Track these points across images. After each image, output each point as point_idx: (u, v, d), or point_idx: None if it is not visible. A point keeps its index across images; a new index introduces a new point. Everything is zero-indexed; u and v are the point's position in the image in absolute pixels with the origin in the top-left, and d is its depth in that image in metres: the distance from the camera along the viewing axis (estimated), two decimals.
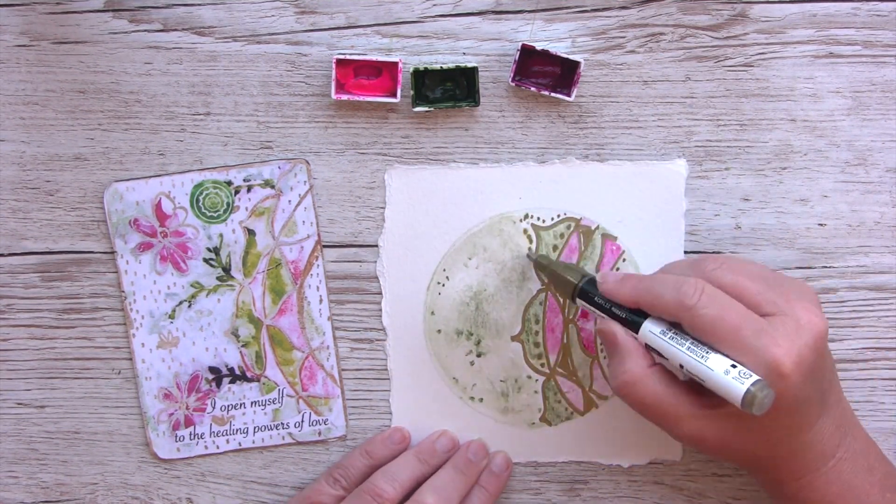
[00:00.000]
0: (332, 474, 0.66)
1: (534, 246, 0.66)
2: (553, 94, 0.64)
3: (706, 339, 0.54)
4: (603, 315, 0.59)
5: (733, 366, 0.53)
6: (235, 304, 0.67)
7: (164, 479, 0.69)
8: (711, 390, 0.54)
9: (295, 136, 0.66)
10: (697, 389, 0.56)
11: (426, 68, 0.64)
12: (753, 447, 0.57)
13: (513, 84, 0.64)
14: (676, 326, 0.56)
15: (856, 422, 0.60)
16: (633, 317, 0.58)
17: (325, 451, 0.68)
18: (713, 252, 0.66)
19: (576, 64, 0.63)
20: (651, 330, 0.57)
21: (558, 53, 0.64)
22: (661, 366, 0.57)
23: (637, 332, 0.57)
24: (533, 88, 0.64)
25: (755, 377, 0.52)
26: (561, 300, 0.66)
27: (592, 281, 0.60)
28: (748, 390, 0.52)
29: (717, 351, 0.54)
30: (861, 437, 0.60)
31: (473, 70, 0.64)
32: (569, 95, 0.64)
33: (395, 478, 0.64)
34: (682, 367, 0.55)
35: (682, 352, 0.55)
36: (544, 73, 0.65)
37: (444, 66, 0.64)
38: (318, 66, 0.65)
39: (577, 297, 0.61)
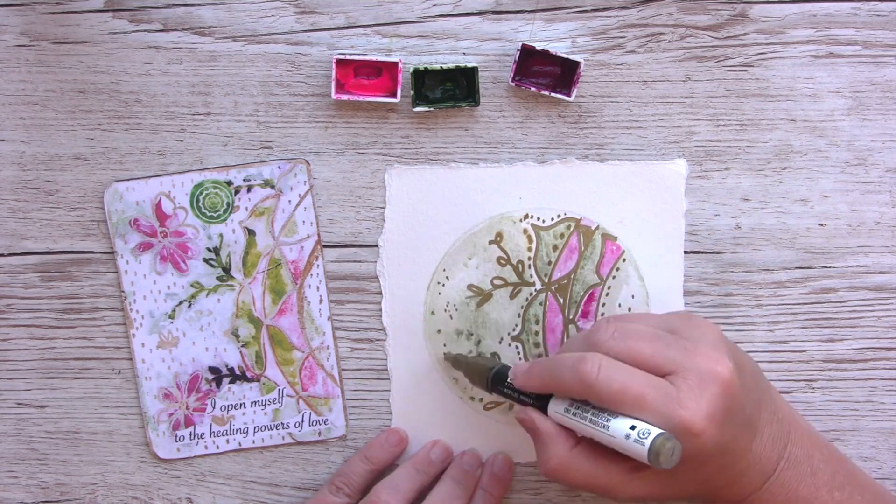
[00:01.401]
0: (334, 483, 0.66)
1: (448, 349, 0.66)
2: (553, 94, 0.64)
3: (616, 411, 0.54)
4: (516, 402, 0.60)
5: (632, 427, 0.53)
6: (235, 304, 0.67)
7: (164, 479, 0.69)
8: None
9: (295, 136, 0.66)
10: (625, 455, 0.56)
11: (426, 68, 0.64)
12: (692, 490, 0.57)
13: (513, 84, 0.64)
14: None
15: (797, 425, 0.60)
16: (539, 401, 0.58)
17: (325, 451, 0.68)
18: (713, 253, 0.66)
19: (576, 64, 0.63)
20: (556, 410, 0.57)
21: (558, 53, 0.64)
22: (585, 441, 0.57)
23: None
24: (533, 88, 0.64)
25: (655, 432, 0.52)
26: (561, 300, 0.66)
27: (501, 371, 0.61)
28: (650, 448, 0.52)
29: (618, 415, 0.54)
30: (803, 441, 0.59)
31: (473, 70, 0.64)
32: (569, 95, 0.64)
33: (396, 489, 0.64)
34: (592, 439, 0.55)
35: (585, 425, 0.55)
36: (544, 73, 0.65)
37: (444, 66, 0.64)
38: (318, 66, 0.65)
39: (491, 388, 0.62)
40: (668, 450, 0.52)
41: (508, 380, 0.60)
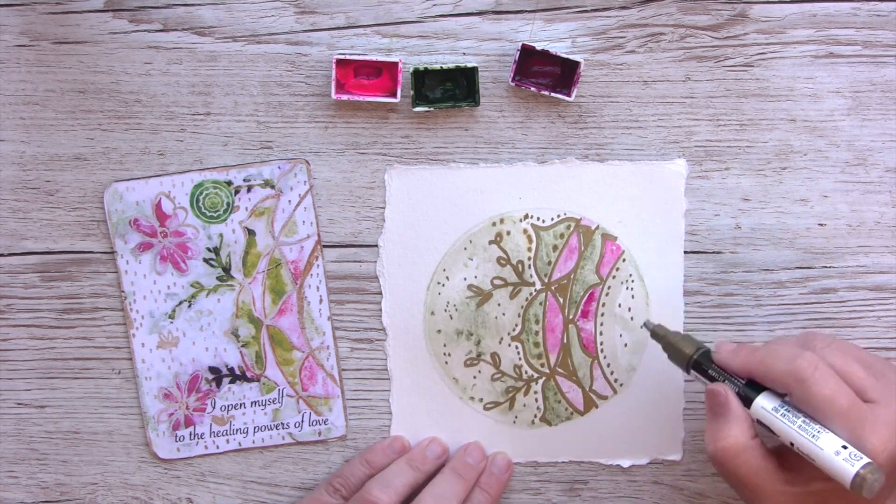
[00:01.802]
0: (331, 483, 0.66)
1: (651, 318, 0.66)
2: (553, 94, 0.64)
3: (815, 415, 0.55)
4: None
5: (844, 447, 0.53)
6: (235, 304, 0.67)
7: (164, 479, 0.69)
8: (818, 468, 0.54)
9: (295, 136, 0.66)
10: (786, 466, 0.57)
11: (426, 68, 0.64)
12: None
13: (513, 84, 0.64)
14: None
15: None
16: (746, 391, 0.58)
17: (325, 451, 0.68)
18: (713, 253, 0.66)
19: (576, 64, 0.63)
20: (763, 406, 0.57)
21: (558, 53, 0.64)
22: (759, 438, 0.57)
23: (748, 406, 0.57)
24: (533, 88, 0.64)
25: (866, 460, 0.53)
26: (561, 300, 0.66)
27: (707, 353, 0.61)
28: (858, 472, 0.52)
29: (827, 429, 0.55)
30: None
31: (473, 70, 0.64)
32: (569, 95, 0.64)
33: (389, 485, 0.64)
34: (792, 444, 0.55)
35: (793, 430, 0.55)
36: (544, 73, 0.65)
37: (444, 66, 0.64)
38: (318, 66, 0.65)
39: (690, 369, 0.61)
40: (874, 480, 0.52)
41: (713, 354, 0.59)
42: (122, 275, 0.67)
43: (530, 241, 0.66)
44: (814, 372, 0.55)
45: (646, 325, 0.65)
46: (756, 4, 0.64)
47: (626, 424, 0.68)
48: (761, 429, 0.57)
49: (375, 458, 0.67)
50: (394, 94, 0.64)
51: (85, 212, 0.67)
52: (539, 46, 0.64)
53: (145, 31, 0.65)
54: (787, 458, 0.57)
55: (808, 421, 0.55)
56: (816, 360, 0.55)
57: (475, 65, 0.64)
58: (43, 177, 0.66)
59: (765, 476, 0.56)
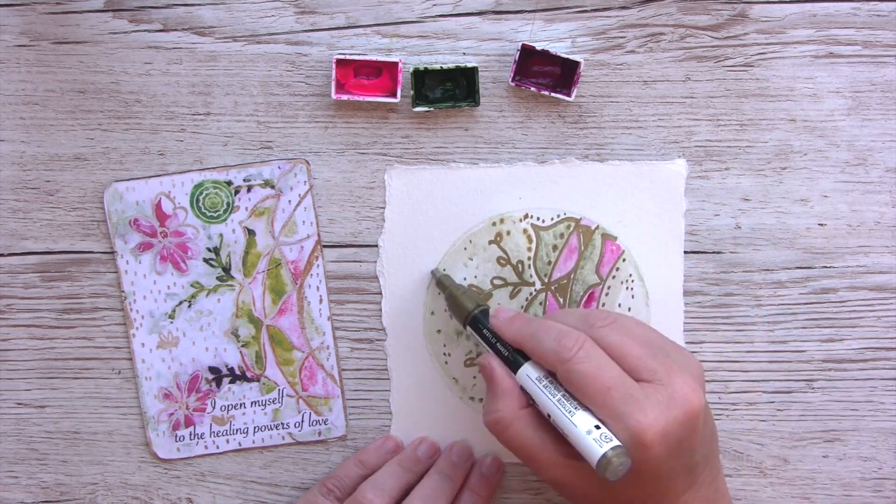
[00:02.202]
0: (325, 484, 0.66)
1: (439, 266, 0.66)
2: (553, 94, 0.64)
3: (576, 394, 0.54)
4: (488, 348, 0.60)
5: (597, 426, 0.53)
6: (235, 304, 0.67)
7: (164, 479, 0.69)
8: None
9: (295, 136, 0.66)
10: (564, 438, 0.56)
11: (426, 68, 0.64)
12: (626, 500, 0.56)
13: (513, 84, 0.64)
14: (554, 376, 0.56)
15: (727, 500, 0.59)
16: (515, 356, 0.58)
17: (325, 451, 0.68)
18: (713, 253, 0.66)
19: (576, 64, 0.63)
20: (528, 374, 0.57)
21: (558, 53, 0.64)
22: (533, 408, 0.57)
23: (515, 373, 0.58)
24: (533, 88, 0.64)
25: (615, 443, 0.52)
26: (561, 300, 0.66)
27: (486, 312, 0.61)
28: (604, 454, 0.52)
29: (586, 409, 0.54)
30: None
31: (473, 70, 0.64)
32: (569, 95, 0.64)
33: (381, 487, 0.64)
34: (549, 416, 0.55)
35: (552, 402, 0.55)
36: (544, 73, 0.65)
37: (444, 66, 0.64)
38: (318, 66, 0.65)
39: (467, 325, 0.62)
40: (619, 464, 0.52)
41: (490, 318, 0.60)
42: (122, 275, 0.67)
43: (530, 241, 0.66)
44: (578, 351, 0.54)
45: (433, 272, 0.65)
46: (756, 4, 0.64)
47: None
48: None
49: (369, 458, 0.67)
50: (394, 94, 0.64)
51: (85, 212, 0.67)
52: (539, 46, 0.64)
53: (145, 31, 0.65)
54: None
55: (568, 396, 0.55)
56: (583, 339, 0.55)
57: (475, 65, 0.64)
58: (43, 177, 0.66)
59: (540, 447, 0.56)
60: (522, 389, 0.58)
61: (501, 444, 0.58)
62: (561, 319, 0.58)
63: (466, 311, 0.62)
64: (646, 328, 0.58)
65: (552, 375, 0.57)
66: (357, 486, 0.65)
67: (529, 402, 0.57)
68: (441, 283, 0.65)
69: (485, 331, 0.60)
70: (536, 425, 0.56)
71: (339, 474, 0.66)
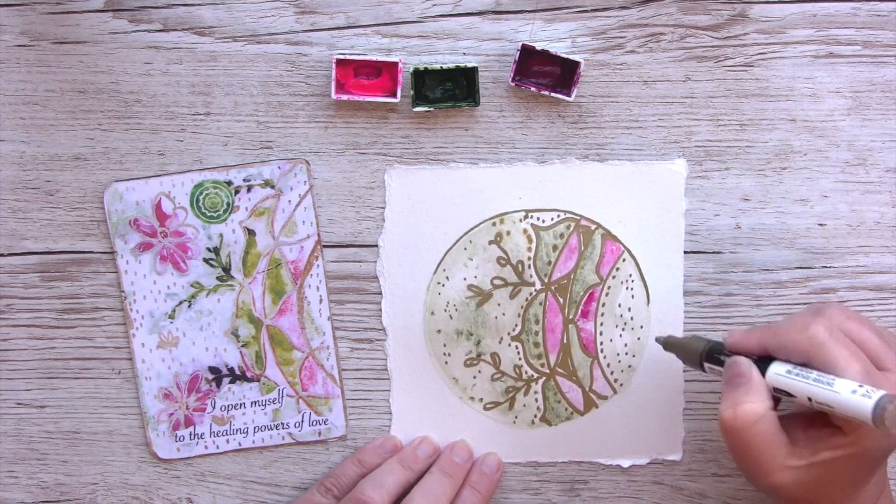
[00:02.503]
0: (323, 483, 0.66)
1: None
2: (553, 94, 0.64)
3: (835, 372, 0.55)
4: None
5: (860, 385, 0.53)
6: (235, 304, 0.67)
7: (164, 479, 0.69)
8: (840, 417, 0.54)
9: (295, 136, 0.66)
10: (793, 441, 0.57)
11: (426, 68, 0.64)
12: (826, 500, 0.57)
13: (513, 84, 0.64)
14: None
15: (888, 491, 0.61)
16: (759, 363, 0.58)
17: (325, 451, 0.68)
18: (713, 253, 0.66)
19: (576, 64, 0.63)
20: (777, 371, 0.57)
21: (558, 53, 0.64)
22: (776, 413, 0.57)
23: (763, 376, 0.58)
24: (533, 88, 0.64)
25: (882, 391, 0.52)
26: (561, 300, 0.66)
27: (718, 344, 0.61)
28: (877, 403, 0.52)
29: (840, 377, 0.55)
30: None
31: (473, 70, 0.64)
32: (569, 95, 0.64)
33: (381, 484, 0.64)
34: (810, 399, 0.55)
35: (808, 384, 0.55)
36: (544, 73, 0.65)
37: (444, 66, 0.64)
38: (318, 66, 0.65)
39: (703, 362, 0.61)
40: (894, 408, 0.52)
41: (724, 340, 0.59)
42: (122, 275, 0.67)
43: (530, 241, 0.66)
44: (829, 336, 0.55)
45: (657, 340, 0.65)
46: (756, 4, 0.64)
47: (625, 424, 0.68)
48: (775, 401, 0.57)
49: (367, 457, 0.67)
50: (394, 94, 0.64)
51: (85, 212, 0.67)
52: (539, 46, 0.64)
53: (145, 31, 0.65)
54: (794, 433, 0.57)
55: (821, 374, 0.55)
56: (832, 326, 0.56)
57: (475, 65, 0.64)
58: (43, 177, 0.66)
59: (777, 448, 0.56)
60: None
61: (727, 442, 0.57)
62: (794, 317, 0.58)
63: (699, 350, 0.61)
64: (870, 320, 0.59)
65: (798, 366, 0.57)
66: (355, 485, 0.65)
67: (775, 406, 0.57)
68: (669, 343, 0.64)
69: (723, 357, 0.60)
70: (779, 428, 0.57)
71: (337, 473, 0.66)
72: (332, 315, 0.67)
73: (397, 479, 0.65)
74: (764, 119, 0.65)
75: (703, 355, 0.61)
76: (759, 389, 0.57)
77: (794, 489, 0.57)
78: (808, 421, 0.57)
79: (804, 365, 0.56)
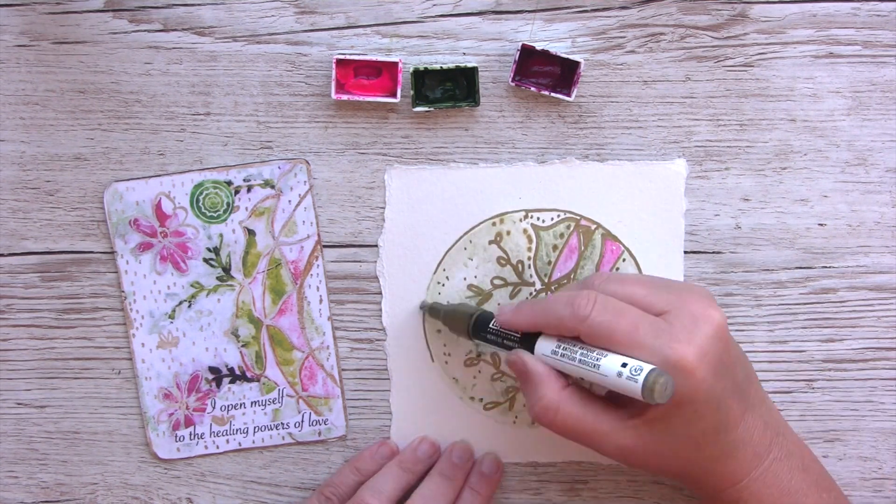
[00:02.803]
0: (322, 493, 0.66)
1: (426, 298, 0.66)
2: (553, 95, 0.64)
3: (605, 346, 0.54)
4: (499, 348, 0.60)
5: (624, 364, 0.52)
6: (235, 304, 0.67)
7: (164, 479, 0.69)
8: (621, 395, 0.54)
9: (295, 136, 0.66)
10: (616, 403, 0.56)
11: (426, 68, 0.64)
12: (682, 452, 0.56)
13: (513, 84, 0.64)
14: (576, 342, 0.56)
15: (783, 421, 0.60)
16: (525, 344, 0.58)
17: (325, 451, 0.68)
18: (713, 253, 0.66)
19: (576, 64, 0.63)
20: (543, 352, 0.56)
21: (558, 53, 0.64)
22: (575, 385, 0.57)
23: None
24: (533, 88, 0.64)
25: (647, 367, 0.51)
26: None
27: (483, 316, 0.61)
28: (644, 384, 0.51)
29: (606, 353, 0.54)
30: (791, 436, 0.59)
31: (473, 70, 0.64)
32: (569, 95, 0.64)
33: (380, 490, 0.64)
34: (581, 379, 0.55)
35: (574, 366, 0.55)
36: (544, 73, 0.65)
37: (444, 66, 0.64)
38: (318, 66, 0.65)
39: (472, 337, 0.61)
40: (662, 384, 0.51)
41: (493, 322, 0.59)
42: (122, 275, 0.67)
43: (530, 241, 0.66)
44: (592, 305, 0.54)
45: (421, 306, 0.65)
46: (756, 4, 0.64)
47: None
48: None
49: (364, 464, 0.66)
50: (394, 94, 0.64)
51: (85, 212, 0.67)
52: (539, 46, 0.64)
53: (145, 31, 0.65)
54: (615, 396, 0.56)
55: (585, 352, 0.54)
56: (594, 295, 0.54)
57: (475, 65, 0.64)
58: (43, 177, 0.66)
59: (592, 419, 0.55)
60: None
61: (554, 433, 0.57)
62: (558, 294, 0.57)
63: (465, 323, 0.62)
64: (641, 274, 0.58)
65: (563, 342, 0.56)
66: (354, 493, 0.65)
67: (569, 382, 0.57)
68: (434, 310, 0.64)
69: (489, 334, 0.60)
70: (584, 401, 0.56)
71: (335, 482, 0.66)
72: (332, 315, 0.67)
73: (396, 484, 0.65)
74: (764, 119, 0.65)
75: (470, 329, 0.61)
76: (543, 378, 0.56)
77: (637, 449, 0.55)
78: None
79: (576, 339, 0.55)
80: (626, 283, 0.56)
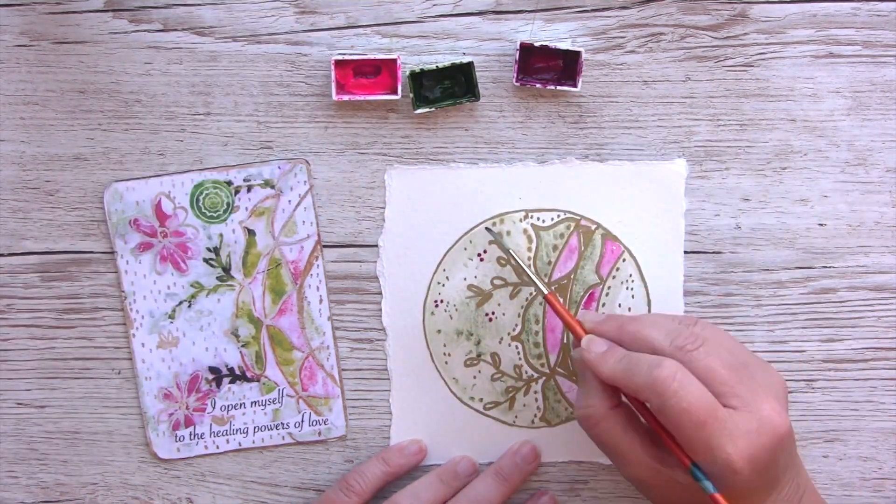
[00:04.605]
0: (346, 480, 0.66)
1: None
2: (560, 88, 0.64)
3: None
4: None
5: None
6: (235, 304, 0.67)
7: (164, 479, 0.69)
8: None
9: (295, 136, 0.66)
10: (653, 439, 0.58)
11: (422, 69, 0.64)
12: None
13: (517, 84, 0.64)
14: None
15: (811, 490, 0.60)
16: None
17: (325, 451, 0.68)
18: (713, 253, 0.66)
19: (576, 54, 0.63)
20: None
21: (557, 47, 0.63)
22: (624, 407, 0.58)
23: None
24: (538, 85, 0.64)
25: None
26: (561, 300, 0.66)
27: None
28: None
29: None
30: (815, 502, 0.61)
31: (469, 65, 0.64)
32: (575, 86, 0.64)
33: (417, 497, 0.64)
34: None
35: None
36: (547, 68, 0.65)
37: (440, 65, 0.64)
38: (318, 67, 0.65)
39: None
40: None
41: (582, 349, 0.59)
42: (122, 275, 0.67)
43: (530, 241, 0.66)
44: (671, 384, 0.55)
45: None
46: (756, 4, 0.64)
47: None
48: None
49: (392, 457, 0.67)
50: (394, 91, 0.64)
51: (85, 212, 0.67)
52: (538, 44, 0.63)
53: (145, 31, 0.65)
54: (655, 435, 0.58)
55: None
56: (675, 370, 0.55)
57: (471, 59, 0.64)
58: (43, 177, 0.66)
59: (628, 447, 0.57)
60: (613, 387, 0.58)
61: (592, 440, 0.59)
62: (648, 334, 0.58)
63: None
64: (731, 342, 0.59)
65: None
66: (378, 483, 0.66)
67: (619, 402, 0.58)
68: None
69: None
70: (626, 425, 0.58)
71: (361, 469, 0.66)
72: (332, 315, 0.67)
73: (434, 495, 0.65)
74: (764, 119, 0.65)
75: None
76: (598, 391, 0.58)
77: (655, 487, 0.58)
78: None
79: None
80: (712, 358, 0.56)
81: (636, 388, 0.56)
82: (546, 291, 0.62)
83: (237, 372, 0.67)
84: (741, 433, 0.55)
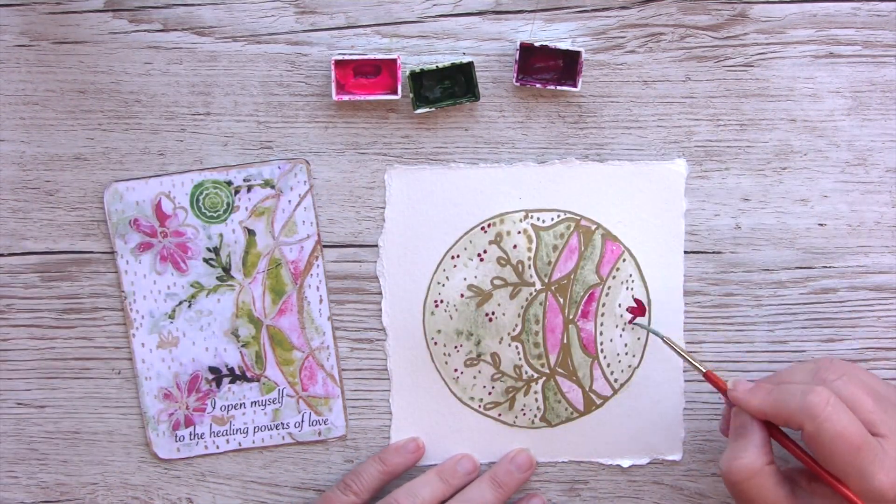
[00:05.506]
0: (344, 480, 0.66)
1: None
2: (560, 88, 0.64)
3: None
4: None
5: None
6: (235, 304, 0.67)
7: (164, 479, 0.69)
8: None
9: (295, 136, 0.66)
10: (796, 494, 0.58)
11: (422, 70, 0.64)
12: None
13: (517, 84, 0.64)
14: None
15: None
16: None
17: (325, 451, 0.68)
18: (713, 253, 0.66)
19: (576, 54, 0.63)
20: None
21: (557, 47, 0.64)
22: (775, 466, 0.59)
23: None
24: (539, 85, 0.64)
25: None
26: (561, 300, 0.66)
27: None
28: None
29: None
30: None
31: (469, 65, 0.64)
32: (574, 86, 0.64)
33: (416, 495, 0.64)
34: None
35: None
36: (547, 67, 0.65)
37: (440, 65, 0.64)
38: (318, 67, 0.65)
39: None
40: None
41: (729, 390, 0.60)
42: (122, 275, 0.67)
43: (530, 241, 0.66)
44: (825, 407, 0.55)
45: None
46: (756, 4, 0.64)
47: (626, 424, 0.68)
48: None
49: (389, 456, 0.67)
50: (394, 91, 0.64)
51: (85, 212, 0.67)
52: (538, 44, 0.63)
53: (145, 31, 0.65)
54: (798, 483, 0.59)
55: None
56: (828, 396, 0.56)
57: (471, 59, 0.64)
58: (43, 177, 0.66)
59: (775, 502, 0.58)
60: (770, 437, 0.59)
61: (728, 489, 0.59)
62: (791, 377, 0.59)
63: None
64: (866, 374, 0.60)
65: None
66: (376, 482, 0.66)
67: (773, 459, 0.59)
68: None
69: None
70: (778, 482, 0.58)
71: (358, 470, 0.66)
72: (332, 315, 0.67)
73: (433, 493, 0.65)
74: (764, 119, 0.65)
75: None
76: (757, 444, 0.58)
77: None
78: (811, 473, 0.59)
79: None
80: (856, 386, 0.57)
81: (788, 414, 0.56)
82: (703, 371, 0.62)
83: (237, 372, 0.67)
84: (892, 461, 0.55)
